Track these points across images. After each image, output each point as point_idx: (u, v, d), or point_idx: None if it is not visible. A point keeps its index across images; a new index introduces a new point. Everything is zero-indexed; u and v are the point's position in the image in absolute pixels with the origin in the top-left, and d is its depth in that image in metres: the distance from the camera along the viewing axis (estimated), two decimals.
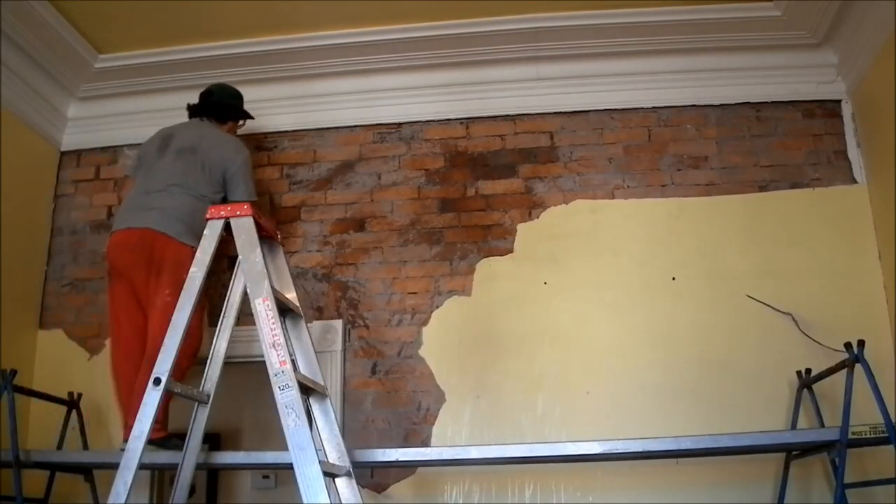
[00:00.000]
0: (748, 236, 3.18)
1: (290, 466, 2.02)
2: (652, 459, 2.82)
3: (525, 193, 3.37)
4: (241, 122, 3.25)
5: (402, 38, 3.38)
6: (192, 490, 2.48)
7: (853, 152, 3.24)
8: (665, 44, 3.35)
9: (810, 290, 3.07)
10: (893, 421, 2.35)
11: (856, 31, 3.08)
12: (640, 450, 2.60)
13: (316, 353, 2.57)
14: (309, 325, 2.73)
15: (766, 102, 3.35)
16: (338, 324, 3.28)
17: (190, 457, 2.35)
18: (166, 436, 2.67)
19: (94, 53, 3.52)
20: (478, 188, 3.41)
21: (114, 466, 2.07)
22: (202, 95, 3.17)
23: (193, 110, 3.16)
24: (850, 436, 2.39)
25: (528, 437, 3.01)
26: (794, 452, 2.77)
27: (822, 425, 2.73)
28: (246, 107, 3.22)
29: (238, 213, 2.38)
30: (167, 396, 2.67)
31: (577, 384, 3.07)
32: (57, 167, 3.68)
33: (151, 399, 2.12)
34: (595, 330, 3.13)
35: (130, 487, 2.02)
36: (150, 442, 2.58)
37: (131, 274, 2.79)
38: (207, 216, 2.42)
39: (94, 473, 3.00)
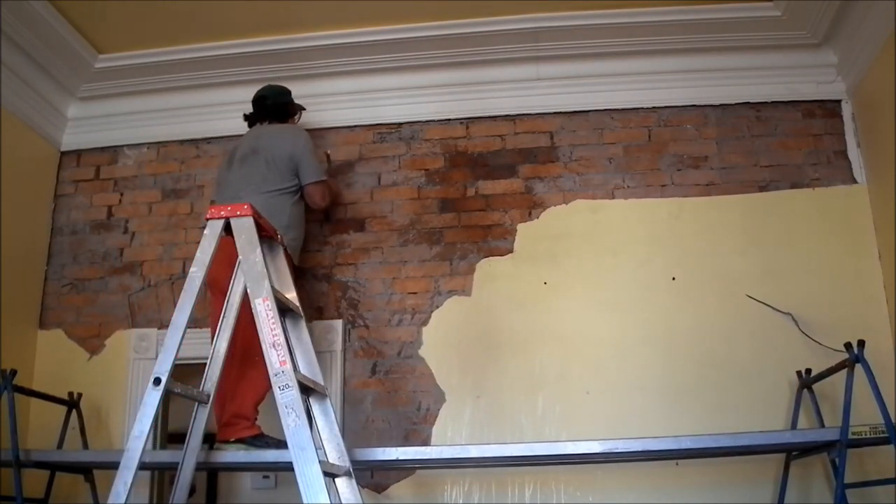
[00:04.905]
0: (748, 236, 3.18)
1: (290, 466, 2.02)
2: (652, 460, 2.83)
3: (525, 193, 3.37)
4: (297, 116, 3.27)
5: (402, 38, 3.38)
6: (192, 490, 2.47)
7: (853, 152, 3.24)
8: (665, 44, 3.35)
9: (810, 290, 3.07)
10: (893, 421, 2.35)
11: (855, 31, 3.08)
12: (640, 450, 2.60)
13: (316, 353, 2.56)
14: (309, 325, 2.72)
15: (766, 102, 3.35)
16: (338, 324, 3.28)
17: (190, 457, 2.35)
18: (259, 433, 2.68)
19: (94, 53, 3.52)
20: (478, 188, 3.41)
21: (114, 466, 2.07)
22: (256, 102, 3.15)
23: (252, 118, 3.16)
24: (850, 436, 2.39)
25: (528, 437, 3.01)
26: (794, 452, 2.77)
27: (822, 425, 2.73)
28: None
29: (238, 213, 2.38)
30: (258, 393, 2.70)
31: (577, 384, 3.07)
32: (57, 167, 3.68)
33: (151, 399, 2.11)
34: (595, 330, 3.13)
35: (130, 487, 2.02)
36: (241, 440, 2.62)
37: (222, 285, 2.66)
38: (207, 216, 2.42)
39: (94, 473, 3.00)
